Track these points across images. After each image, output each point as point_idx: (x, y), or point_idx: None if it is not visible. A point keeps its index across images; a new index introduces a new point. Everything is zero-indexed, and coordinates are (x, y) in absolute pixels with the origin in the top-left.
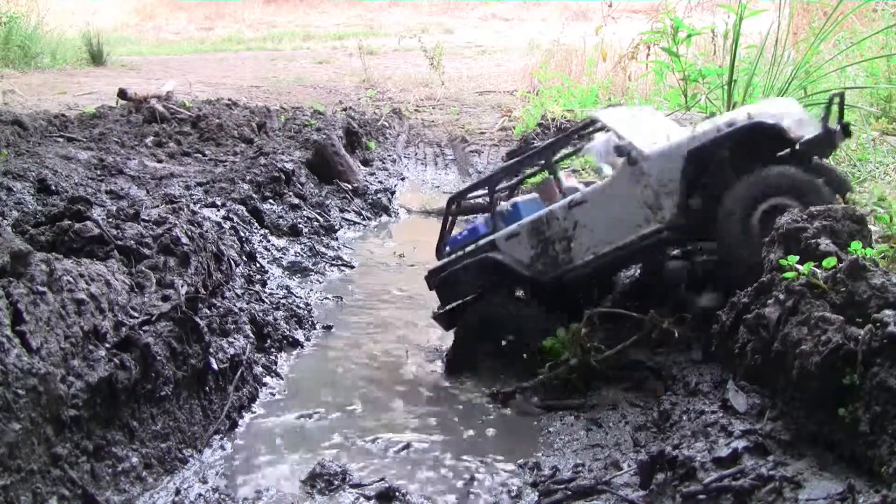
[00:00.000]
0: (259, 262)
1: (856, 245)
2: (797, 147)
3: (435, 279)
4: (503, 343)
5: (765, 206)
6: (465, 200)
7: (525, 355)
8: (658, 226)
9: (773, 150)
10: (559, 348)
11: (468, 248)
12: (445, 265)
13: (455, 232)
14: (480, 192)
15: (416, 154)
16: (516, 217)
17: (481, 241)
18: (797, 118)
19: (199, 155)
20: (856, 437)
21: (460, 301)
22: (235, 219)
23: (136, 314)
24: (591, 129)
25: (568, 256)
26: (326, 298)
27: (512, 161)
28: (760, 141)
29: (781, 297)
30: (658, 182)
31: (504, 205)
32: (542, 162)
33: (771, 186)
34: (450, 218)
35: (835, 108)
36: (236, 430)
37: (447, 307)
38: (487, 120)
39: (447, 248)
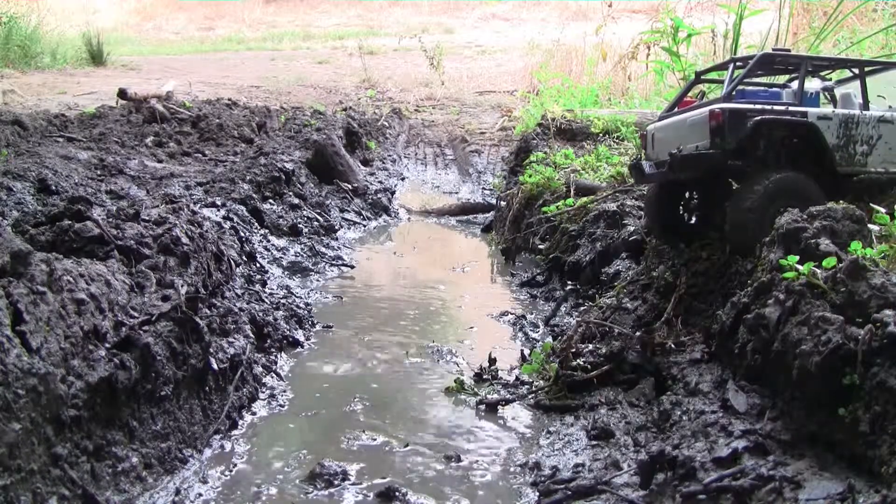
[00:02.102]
0: (259, 262)
1: (856, 245)
2: None
3: (735, 115)
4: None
5: None
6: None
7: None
8: None
9: None
10: (540, 361)
11: (776, 108)
12: (750, 110)
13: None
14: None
15: (416, 154)
16: (815, 103)
17: (792, 108)
18: None
19: (199, 155)
20: (856, 437)
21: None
22: (235, 219)
23: (136, 314)
24: None
25: (864, 160)
26: (326, 298)
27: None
28: None
29: (781, 297)
30: None
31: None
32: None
33: None
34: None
35: None
36: (236, 430)
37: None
38: (487, 120)
39: (737, 96)
